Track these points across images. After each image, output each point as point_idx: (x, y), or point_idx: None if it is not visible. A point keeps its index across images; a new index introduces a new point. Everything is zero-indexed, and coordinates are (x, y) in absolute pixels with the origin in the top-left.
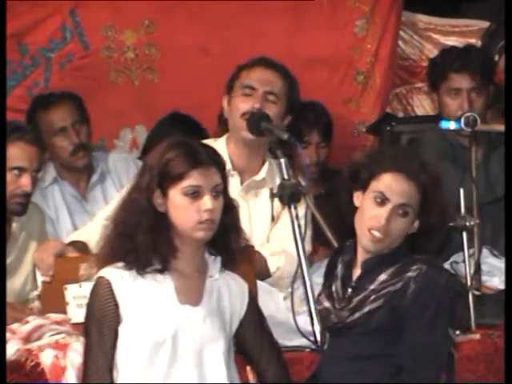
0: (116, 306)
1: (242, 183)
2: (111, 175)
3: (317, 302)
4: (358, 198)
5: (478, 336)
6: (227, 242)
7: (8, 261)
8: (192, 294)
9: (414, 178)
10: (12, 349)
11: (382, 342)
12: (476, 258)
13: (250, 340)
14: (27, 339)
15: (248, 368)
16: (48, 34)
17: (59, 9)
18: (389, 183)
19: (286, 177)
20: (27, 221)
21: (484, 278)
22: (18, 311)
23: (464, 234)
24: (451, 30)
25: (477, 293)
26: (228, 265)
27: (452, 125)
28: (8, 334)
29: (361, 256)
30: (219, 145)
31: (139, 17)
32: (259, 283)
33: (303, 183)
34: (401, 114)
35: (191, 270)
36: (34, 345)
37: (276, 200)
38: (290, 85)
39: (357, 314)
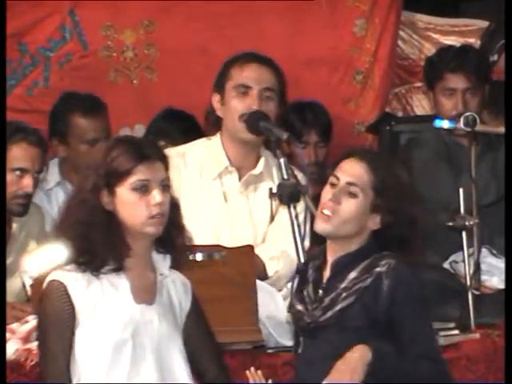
0: (72, 308)
1: (240, 179)
2: None
3: (289, 306)
4: None
5: (477, 335)
6: (173, 240)
7: (8, 261)
8: (146, 292)
9: (365, 161)
10: (11, 348)
11: (357, 340)
12: (475, 258)
13: (193, 338)
14: (27, 339)
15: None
16: (47, 33)
17: (58, 8)
18: (341, 165)
19: (285, 176)
20: (27, 221)
21: (483, 277)
22: (18, 310)
23: (463, 234)
24: (450, 30)
25: (476, 292)
26: (175, 263)
27: (446, 123)
28: (8, 334)
29: (331, 257)
30: (214, 142)
31: (138, 16)
32: (260, 283)
33: (303, 182)
34: (400, 114)
35: (143, 269)
36: (34, 344)
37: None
38: (281, 77)
39: (329, 313)
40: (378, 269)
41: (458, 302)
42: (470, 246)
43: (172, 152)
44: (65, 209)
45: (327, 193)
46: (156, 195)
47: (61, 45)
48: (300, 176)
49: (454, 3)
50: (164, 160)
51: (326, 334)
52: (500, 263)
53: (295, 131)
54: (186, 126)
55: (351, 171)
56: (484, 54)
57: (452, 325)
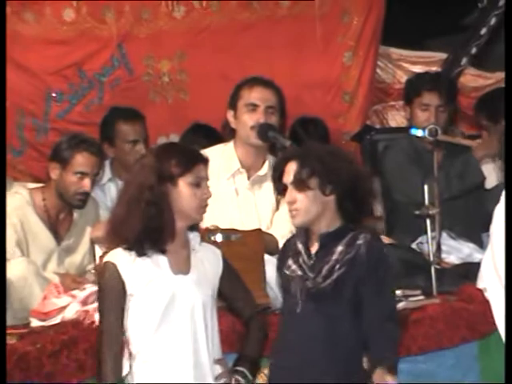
0: (123, 284)
1: (248, 178)
2: None
3: (288, 271)
4: None
5: (438, 300)
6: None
7: (71, 241)
8: (182, 265)
9: (297, 159)
10: (73, 310)
11: (348, 313)
12: (437, 240)
13: (228, 288)
14: (85, 302)
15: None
16: (101, 62)
17: (110, 43)
18: (285, 170)
19: None
20: (85, 211)
21: (443, 255)
22: (77, 282)
23: (427, 221)
24: (417, 60)
25: (437, 267)
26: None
27: (419, 132)
28: (69, 299)
29: (314, 234)
30: (229, 148)
31: (173, 49)
32: (268, 258)
33: None
34: (378, 126)
35: (179, 246)
36: (90, 307)
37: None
38: (280, 96)
39: (328, 281)
40: (358, 242)
41: (423, 275)
42: (432, 230)
43: None
44: (129, 200)
45: (286, 197)
46: (207, 190)
47: (111, 71)
48: None
49: (420, 39)
50: (207, 163)
51: (322, 305)
52: (457, 244)
53: (299, 141)
54: (210, 137)
55: (291, 172)
56: (452, 80)
57: (418, 292)
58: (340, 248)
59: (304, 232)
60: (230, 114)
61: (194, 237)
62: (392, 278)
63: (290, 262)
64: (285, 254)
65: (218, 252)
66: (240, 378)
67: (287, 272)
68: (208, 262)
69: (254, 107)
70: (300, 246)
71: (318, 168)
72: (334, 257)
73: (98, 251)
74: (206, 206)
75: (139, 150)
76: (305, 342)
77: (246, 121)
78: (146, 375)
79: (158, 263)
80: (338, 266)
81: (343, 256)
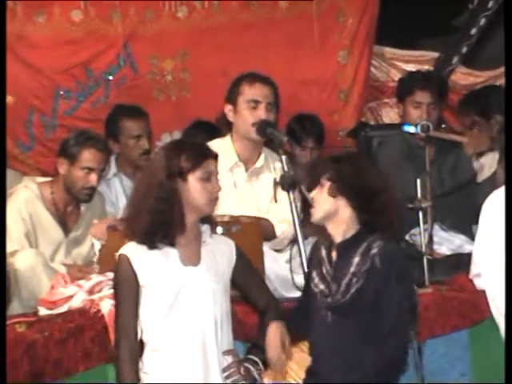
0: (135, 276)
1: (246, 171)
2: None
3: (312, 284)
4: None
5: (430, 290)
6: (211, 216)
7: (78, 233)
8: (192, 257)
9: None
10: (79, 299)
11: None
12: (429, 232)
13: (242, 278)
14: (91, 292)
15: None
16: (107, 61)
17: (116, 43)
18: None
19: (286, 169)
20: (91, 205)
21: (435, 246)
22: (84, 272)
23: (420, 214)
24: (410, 59)
25: (429, 257)
26: (212, 230)
27: (412, 129)
28: (76, 288)
29: (334, 240)
30: (226, 142)
31: (175, 49)
32: (267, 251)
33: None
34: (372, 123)
35: (189, 238)
36: (96, 296)
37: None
38: (277, 92)
39: (348, 295)
40: (372, 251)
41: (415, 265)
42: (425, 222)
43: None
44: (139, 193)
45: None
46: (217, 184)
47: (117, 70)
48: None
49: (412, 39)
50: (216, 157)
51: (346, 316)
52: (448, 236)
53: (296, 137)
54: (211, 133)
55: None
56: (443, 79)
57: None
58: (357, 259)
59: (326, 239)
60: (228, 109)
61: (206, 229)
62: (409, 281)
63: (314, 274)
64: (311, 262)
65: (232, 243)
66: (250, 366)
67: (312, 285)
68: (220, 253)
69: (255, 104)
70: (324, 253)
71: (331, 171)
72: (352, 269)
73: (97, 245)
74: (217, 199)
75: (142, 145)
76: (336, 349)
77: (247, 117)
78: (156, 363)
79: (169, 256)
80: (355, 280)
81: (360, 268)
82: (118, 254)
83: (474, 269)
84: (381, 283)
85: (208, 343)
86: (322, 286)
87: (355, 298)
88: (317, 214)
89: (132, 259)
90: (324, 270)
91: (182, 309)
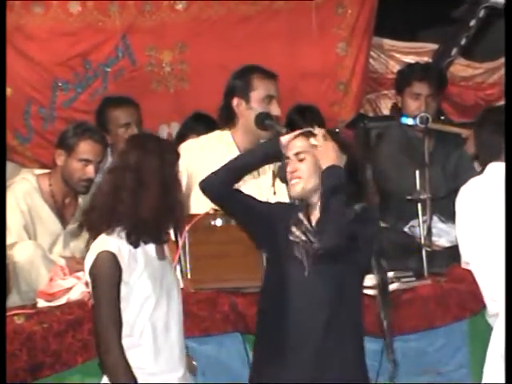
0: (120, 270)
1: None
2: None
3: (292, 236)
4: None
5: (429, 281)
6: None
7: (76, 225)
8: (162, 252)
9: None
10: (78, 291)
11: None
12: (428, 223)
13: None
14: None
15: None
16: (106, 53)
17: (114, 35)
18: (288, 146)
19: (284, 161)
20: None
21: (434, 238)
22: (82, 264)
23: (419, 205)
24: (409, 51)
25: (428, 249)
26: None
27: (410, 121)
28: (75, 280)
29: (314, 206)
30: (226, 135)
31: (174, 41)
32: None
33: None
34: (371, 114)
35: None
36: None
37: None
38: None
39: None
40: (355, 207)
41: (415, 257)
42: (424, 214)
43: (195, 144)
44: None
45: (288, 168)
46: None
47: (115, 62)
48: None
49: (411, 31)
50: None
51: (330, 267)
52: (447, 228)
53: (296, 128)
54: (209, 124)
55: (295, 145)
56: (441, 70)
57: (410, 273)
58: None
59: (303, 204)
60: (239, 103)
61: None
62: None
63: (294, 228)
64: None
65: None
66: None
67: (291, 238)
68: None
69: (269, 99)
70: (301, 215)
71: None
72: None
73: None
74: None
75: (132, 133)
76: (314, 304)
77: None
78: (136, 359)
79: (147, 251)
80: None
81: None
82: (96, 250)
83: (463, 257)
84: (364, 232)
85: (172, 338)
86: (303, 238)
87: (340, 247)
88: (301, 185)
89: (118, 256)
90: (303, 228)
91: (158, 303)
